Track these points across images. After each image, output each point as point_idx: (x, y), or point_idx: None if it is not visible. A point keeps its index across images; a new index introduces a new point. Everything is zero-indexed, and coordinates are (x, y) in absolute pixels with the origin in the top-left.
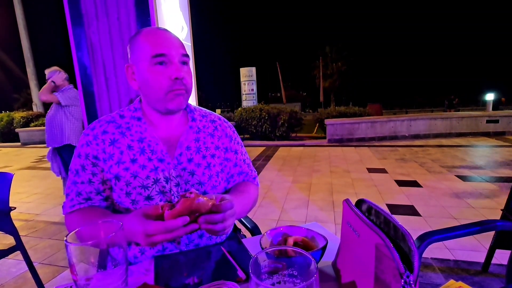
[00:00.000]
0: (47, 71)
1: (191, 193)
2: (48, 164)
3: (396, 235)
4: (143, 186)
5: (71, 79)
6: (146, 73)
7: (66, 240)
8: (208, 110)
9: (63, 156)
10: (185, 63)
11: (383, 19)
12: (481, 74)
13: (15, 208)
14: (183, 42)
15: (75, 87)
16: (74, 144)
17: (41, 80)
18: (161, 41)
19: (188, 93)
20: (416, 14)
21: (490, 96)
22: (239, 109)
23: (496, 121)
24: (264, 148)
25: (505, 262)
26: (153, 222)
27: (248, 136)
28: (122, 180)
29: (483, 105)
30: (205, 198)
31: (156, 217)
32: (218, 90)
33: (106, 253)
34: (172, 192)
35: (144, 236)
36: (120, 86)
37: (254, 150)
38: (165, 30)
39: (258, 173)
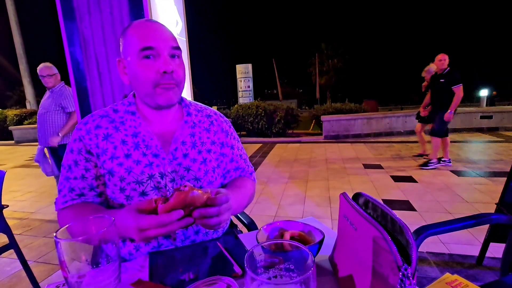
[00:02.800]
0: (39, 68)
1: (185, 186)
2: None
3: (394, 228)
4: (137, 181)
5: (64, 75)
6: (135, 67)
7: (56, 236)
8: (204, 105)
9: (60, 156)
10: (176, 56)
11: (379, 17)
12: (475, 70)
13: (7, 206)
14: (178, 37)
15: (68, 83)
16: None
17: (34, 77)
18: (149, 33)
19: (179, 87)
20: (412, 12)
21: (484, 92)
22: (235, 106)
23: (490, 117)
24: (261, 144)
25: (499, 255)
26: (146, 216)
27: (245, 133)
28: (116, 175)
29: (477, 101)
30: (199, 191)
31: (149, 212)
32: (214, 87)
33: (98, 250)
34: (167, 188)
35: (138, 231)
36: (113, 81)
37: (251, 147)
38: (155, 22)
39: (255, 170)
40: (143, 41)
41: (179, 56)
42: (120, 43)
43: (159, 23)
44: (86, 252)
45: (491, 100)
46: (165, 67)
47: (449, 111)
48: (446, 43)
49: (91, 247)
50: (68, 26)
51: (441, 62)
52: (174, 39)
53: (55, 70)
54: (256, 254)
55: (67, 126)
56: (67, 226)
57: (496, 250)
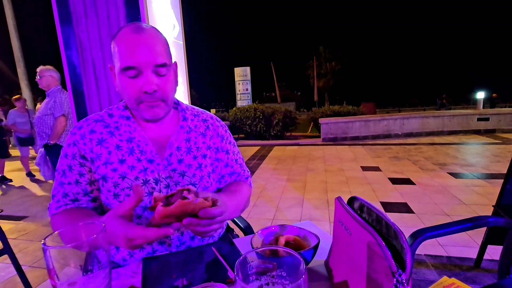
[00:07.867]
0: (38, 69)
1: (189, 191)
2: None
3: (389, 233)
4: (131, 187)
5: (61, 78)
6: (120, 82)
7: (44, 244)
8: (201, 109)
9: (51, 158)
10: (161, 73)
11: (377, 19)
12: (472, 72)
13: (2, 210)
14: (175, 40)
15: (65, 86)
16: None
17: (32, 80)
18: (132, 51)
19: (166, 102)
20: (411, 14)
21: (480, 95)
22: (233, 108)
23: (487, 119)
24: (259, 147)
25: (497, 257)
26: (135, 227)
27: (243, 135)
28: (109, 181)
29: (474, 103)
30: (199, 201)
31: (150, 208)
32: (212, 90)
33: (88, 256)
34: None
35: (126, 240)
36: (110, 85)
37: (249, 150)
38: (142, 34)
39: (253, 173)
40: (125, 59)
41: (166, 74)
42: (111, 48)
43: (147, 34)
44: (76, 259)
45: (491, 102)
46: (147, 87)
47: None
48: (444, 45)
49: (81, 254)
50: (64, 30)
51: None
52: (160, 53)
53: (46, 73)
54: (248, 260)
55: (53, 133)
56: (56, 232)
57: (494, 252)
